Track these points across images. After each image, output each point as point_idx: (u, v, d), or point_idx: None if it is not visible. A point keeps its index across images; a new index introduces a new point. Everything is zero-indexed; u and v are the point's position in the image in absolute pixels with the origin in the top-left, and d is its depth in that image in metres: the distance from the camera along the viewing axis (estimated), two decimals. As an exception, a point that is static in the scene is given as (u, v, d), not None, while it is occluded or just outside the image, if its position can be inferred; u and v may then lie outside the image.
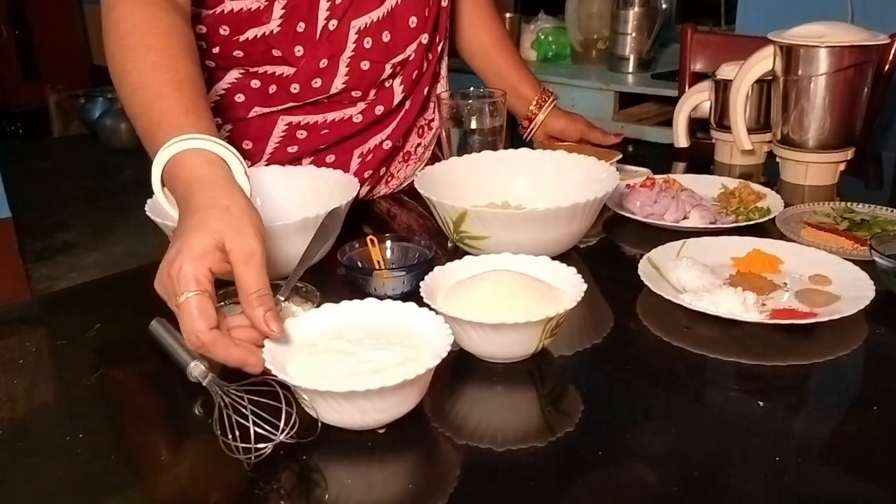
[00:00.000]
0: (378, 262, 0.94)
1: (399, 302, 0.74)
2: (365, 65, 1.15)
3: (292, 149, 1.18)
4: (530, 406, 0.72)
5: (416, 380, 0.63)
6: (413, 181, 1.29)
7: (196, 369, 0.72)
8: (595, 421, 0.69)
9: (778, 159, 1.32)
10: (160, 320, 0.82)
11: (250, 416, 0.64)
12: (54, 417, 0.74)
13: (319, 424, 0.65)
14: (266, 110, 1.16)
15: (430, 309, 0.72)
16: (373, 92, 1.18)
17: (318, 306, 0.79)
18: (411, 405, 0.66)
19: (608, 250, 1.07)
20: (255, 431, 0.63)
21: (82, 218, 3.72)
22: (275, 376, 0.65)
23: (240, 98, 1.15)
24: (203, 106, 0.84)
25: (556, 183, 1.09)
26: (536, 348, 0.74)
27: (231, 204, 0.71)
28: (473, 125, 1.21)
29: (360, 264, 0.93)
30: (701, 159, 1.49)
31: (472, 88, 1.25)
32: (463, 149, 1.20)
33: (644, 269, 0.92)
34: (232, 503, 0.63)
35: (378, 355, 0.66)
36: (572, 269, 0.81)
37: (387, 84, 1.19)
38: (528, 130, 1.38)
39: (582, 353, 0.80)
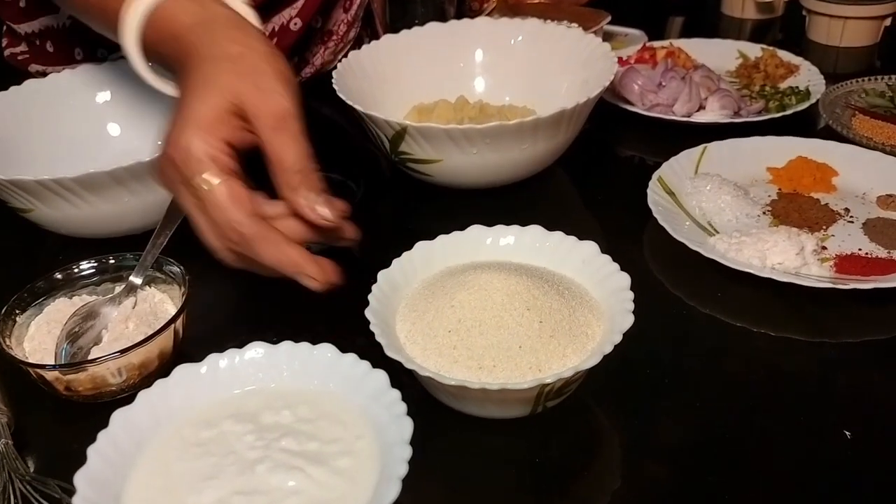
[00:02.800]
0: None
1: (356, 361, 0.45)
2: None
3: None
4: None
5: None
6: (333, 69, 1.00)
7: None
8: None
9: (804, 13, 1.04)
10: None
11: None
12: None
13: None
14: None
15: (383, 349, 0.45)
16: None
17: (184, 291, 0.53)
18: None
19: (598, 161, 0.80)
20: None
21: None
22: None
23: None
24: None
25: (529, 68, 0.80)
26: (532, 413, 0.47)
27: (245, 50, 0.51)
28: (411, -16, 0.89)
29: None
30: (700, 11, 1.20)
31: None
32: (401, 20, 0.89)
33: (656, 199, 0.66)
34: None
35: (278, 483, 0.39)
36: (623, 280, 0.49)
37: None
38: (481, 12, 1.04)
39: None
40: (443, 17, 0.88)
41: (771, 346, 0.56)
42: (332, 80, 0.73)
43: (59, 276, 0.56)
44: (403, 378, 0.45)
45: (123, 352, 0.48)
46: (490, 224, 0.56)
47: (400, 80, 0.80)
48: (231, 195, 0.47)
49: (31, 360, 0.51)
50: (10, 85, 0.78)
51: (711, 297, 0.60)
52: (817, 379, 0.53)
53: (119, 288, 0.56)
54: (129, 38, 0.55)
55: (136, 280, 0.55)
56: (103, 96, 0.77)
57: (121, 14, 0.55)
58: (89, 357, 0.51)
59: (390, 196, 0.77)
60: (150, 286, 0.57)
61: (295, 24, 0.90)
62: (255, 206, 0.48)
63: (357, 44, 1.02)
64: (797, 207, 0.66)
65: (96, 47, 0.86)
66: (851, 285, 0.55)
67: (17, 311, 0.53)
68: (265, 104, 0.49)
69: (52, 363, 0.51)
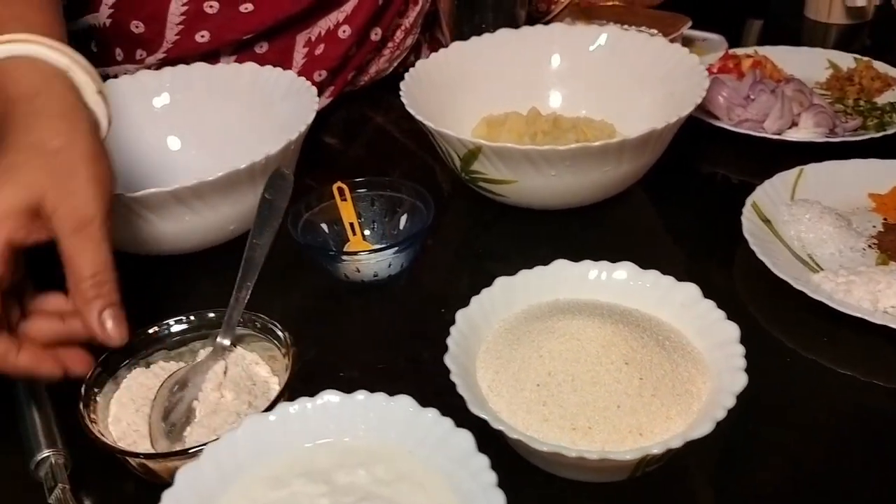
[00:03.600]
0: (351, 225, 0.63)
1: (438, 419, 0.41)
2: None
3: (202, 36, 0.81)
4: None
5: None
6: (388, 74, 0.95)
7: (43, 466, 0.45)
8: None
9: (900, 17, 0.97)
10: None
11: None
12: None
13: None
14: None
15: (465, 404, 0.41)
16: None
17: (288, 360, 0.48)
18: None
19: (679, 180, 0.74)
20: None
21: None
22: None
23: None
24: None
25: (607, 78, 0.75)
26: (629, 477, 0.43)
27: (63, 146, 0.48)
28: (480, -12, 0.84)
29: (325, 231, 0.63)
30: (781, 16, 1.13)
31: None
32: (469, 26, 0.84)
33: (752, 229, 0.61)
34: None
35: None
36: (733, 331, 0.45)
37: None
38: (548, 16, 0.99)
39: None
40: (514, 23, 0.83)
41: (884, 400, 0.50)
42: (400, 93, 0.68)
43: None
44: (487, 427, 0.41)
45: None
46: (562, 248, 0.53)
47: (469, 90, 0.76)
48: None
49: (124, 447, 0.46)
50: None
51: (816, 340, 0.54)
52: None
53: (203, 351, 0.51)
54: None
55: (225, 341, 0.50)
56: (161, 101, 0.74)
57: None
58: (184, 436, 0.46)
59: (451, 213, 0.72)
60: (235, 346, 0.51)
61: (343, 31, 0.86)
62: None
63: (414, 50, 0.98)
64: (908, 241, 0.61)
65: (135, 47, 0.83)
66: (980, 336, 0.50)
67: (97, 390, 0.48)
68: (68, 206, 0.46)
69: (155, 451, 0.45)
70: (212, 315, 0.52)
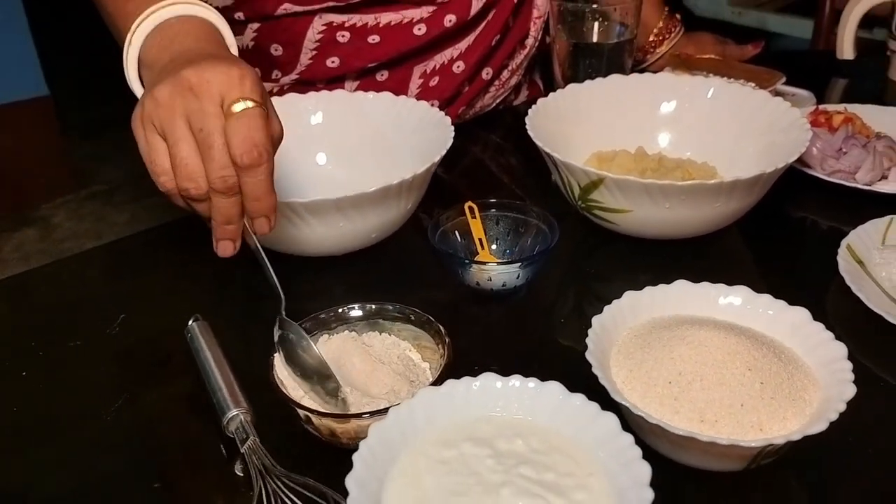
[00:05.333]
0: (480, 241, 0.71)
1: (585, 402, 0.48)
2: None
3: (332, 61, 0.91)
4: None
5: None
6: (489, 110, 1.04)
7: (234, 422, 0.53)
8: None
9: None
10: (200, 322, 0.62)
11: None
12: (68, 464, 0.55)
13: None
14: (300, 9, 0.89)
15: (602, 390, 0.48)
16: None
17: (445, 346, 0.55)
18: None
19: (783, 225, 0.81)
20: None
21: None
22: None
23: None
24: None
25: (712, 125, 0.82)
26: (746, 468, 0.49)
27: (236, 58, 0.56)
28: (595, 37, 0.93)
29: (458, 242, 0.71)
30: (863, 75, 1.19)
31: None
32: (579, 70, 0.93)
33: (847, 267, 0.67)
34: None
35: None
36: (841, 350, 0.51)
37: None
38: (643, 63, 1.08)
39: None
40: (622, 70, 0.91)
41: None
42: (526, 126, 0.76)
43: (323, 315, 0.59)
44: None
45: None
46: (662, 274, 0.59)
47: (581, 127, 0.84)
48: (265, 118, 0.52)
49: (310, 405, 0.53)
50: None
51: (905, 371, 0.60)
52: None
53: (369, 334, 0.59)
54: (132, 56, 0.60)
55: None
56: (316, 119, 0.83)
57: (132, 28, 0.60)
58: (344, 399, 0.54)
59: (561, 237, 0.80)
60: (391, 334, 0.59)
61: (458, 66, 0.95)
62: None
63: (514, 90, 1.07)
64: None
65: (272, 68, 0.93)
66: None
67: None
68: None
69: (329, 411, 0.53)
70: (389, 307, 0.59)
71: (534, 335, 0.66)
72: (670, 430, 0.45)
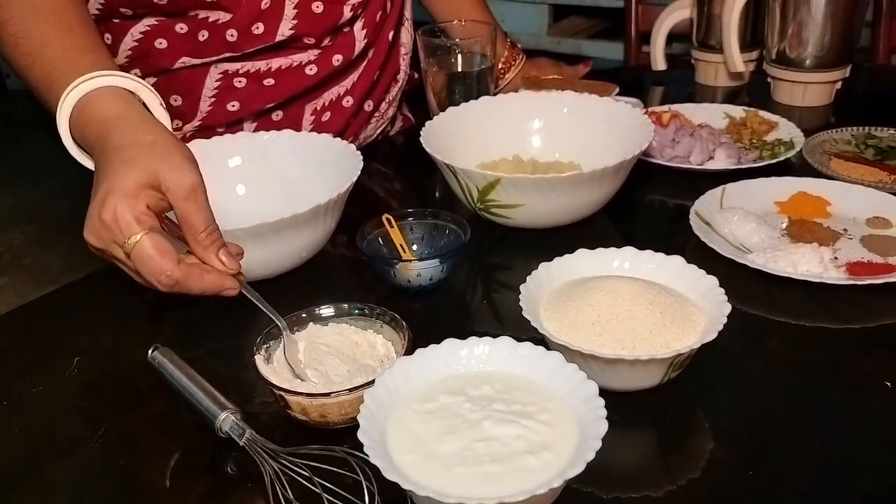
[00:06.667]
0: (401, 247, 0.80)
1: (532, 347, 0.58)
2: (318, 7, 0.97)
3: (233, 105, 0.99)
4: (647, 444, 0.61)
5: (549, 494, 0.49)
6: (371, 140, 1.14)
7: (227, 422, 0.59)
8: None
9: (769, 79, 1.25)
10: (162, 349, 0.67)
11: (324, 495, 0.52)
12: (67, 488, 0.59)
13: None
14: (197, 61, 0.97)
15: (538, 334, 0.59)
16: (328, 39, 1.00)
17: (407, 341, 0.63)
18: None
19: (639, 204, 0.96)
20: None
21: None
22: (343, 448, 0.53)
23: (161, 44, 0.96)
24: (101, 45, 0.77)
25: (573, 130, 0.97)
26: (661, 382, 0.62)
27: (156, 138, 0.64)
28: (460, 67, 1.06)
29: (382, 249, 0.80)
30: (675, 81, 1.40)
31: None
32: (450, 96, 1.05)
33: (699, 227, 0.82)
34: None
35: (504, 432, 0.52)
36: (712, 281, 0.65)
37: (345, 29, 1.02)
38: (497, 88, 1.23)
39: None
40: (488, 92, 1.05)
41: (808, 335, 0.72)
42: (422, 143, 0.87)
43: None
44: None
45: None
46: (556, 255, 0.71)
47: (466, 144, 0.95)
48: (156, 246, 0.60)
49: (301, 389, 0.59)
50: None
51: (757, 299, 0.75)
52: (857, 349, 0.70)
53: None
54: (62, 119, 0.69)
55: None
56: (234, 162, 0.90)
57: (60, 99, 0.68)
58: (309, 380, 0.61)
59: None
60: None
61: (347, 101, 1.05)
62: (172, 249, 0.61)
63: (391, 122, 1.18)
64: (808, 230, 0.84)
65: (173, 118, 0.99)
66: (867, 281, 0.73)
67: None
68: (177, 179, 0.61)
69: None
70: (345, 305, 0.68)
71: (464, 318, 0.76)
72: (603, 356, 0.57)
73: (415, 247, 0.82)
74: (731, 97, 1.30)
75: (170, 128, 0.70)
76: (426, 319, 0.76)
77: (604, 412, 0.51)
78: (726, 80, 1.31)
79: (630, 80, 1.41)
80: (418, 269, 0.75)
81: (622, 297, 0.62)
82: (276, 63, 0.97)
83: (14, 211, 2.84)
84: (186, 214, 0.62)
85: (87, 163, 0.71)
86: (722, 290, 0.63)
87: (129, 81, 0.70)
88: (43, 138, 3.32)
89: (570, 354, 0.58)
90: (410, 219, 0.82)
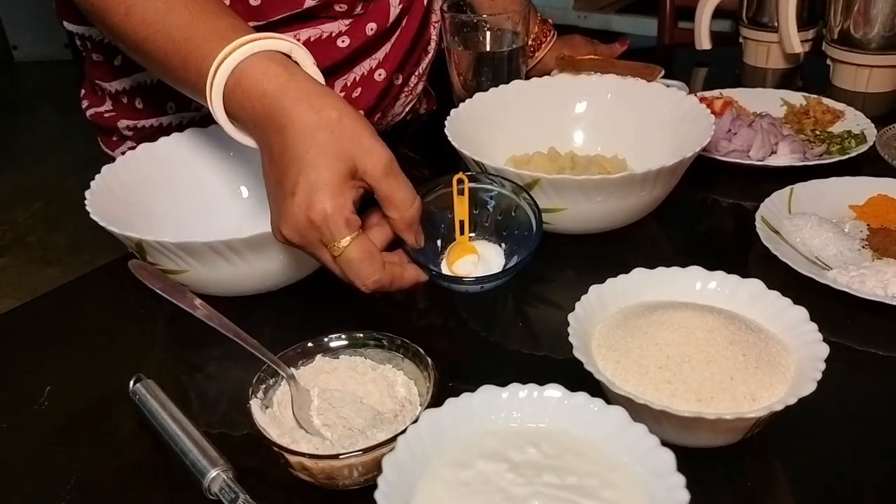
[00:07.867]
0: (461, 223, 0.67)
1: (588, 399, 0.48)
2: None
3: None
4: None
5: None
6: (398, 120, 1.03)
7: (216, 483, 0.49)
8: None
9: (829, 62, 1.13)
10: (145, 381, 0.57)
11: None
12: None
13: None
14: None
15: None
16: (360, 6, 0.89)
17: (432, 384, 0.53)
18: None
19: (691, 206, 0.85)
20: None
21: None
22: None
23: None
24: (225, 5, 0.66)
25: (619, 120, 0.86)
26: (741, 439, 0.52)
27: (340, 114, 0.57)
28: (488, 47, 0.94)
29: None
30: (719, 62, 1.28)
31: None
32: (477, 78, 0.94)
33: (767, 237, 0.71)
34: None
35: None
36: (801, 313, 0.54)
37: None
38: (526, 68, 1.11)
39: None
40: (519, 76, 0.93)
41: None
42: (447, 134, 0.76)
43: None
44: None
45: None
46: (599, 266, 0.62)
47: (495, 133, 0.84)
48: (364, 251, 0.56)
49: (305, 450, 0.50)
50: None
51: (837, 324, 0.64)
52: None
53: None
54: (216, 94, 0.60)
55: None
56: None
57: (209, 73, 0.59)
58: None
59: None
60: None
61: (379, 74, 0.94)
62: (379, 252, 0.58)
63: (419, 100, 1.07)
64: (894, 241, 0.72)
65: (190, 100, 0.88)
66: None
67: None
68: (373, 160, 0.56)
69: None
70: (359, 335, 0.58)
71: (498, 343, 0.66)
72: (677, 413, 0.46)
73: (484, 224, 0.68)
74: (785, 81, 1.18)
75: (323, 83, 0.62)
76: (450, 337, 0.66)
77: (685, 496, 0.41)
78: (779, 61, 1.19)
79: (667, 60, 1.29)
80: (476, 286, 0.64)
81: (695, 336, 0.51)
82: (305, 34, 0.86)
83: (18, 188, 2.76)
84: (390, 192, 0.58)
85: (248, 141, 0.62)
86: (814, 326, 0.53)
87: (283, 42, 0.61)
88: (51, 114, 3.22)
89: (634, 408, 0.48)
90: (488, 183, 0.69)
